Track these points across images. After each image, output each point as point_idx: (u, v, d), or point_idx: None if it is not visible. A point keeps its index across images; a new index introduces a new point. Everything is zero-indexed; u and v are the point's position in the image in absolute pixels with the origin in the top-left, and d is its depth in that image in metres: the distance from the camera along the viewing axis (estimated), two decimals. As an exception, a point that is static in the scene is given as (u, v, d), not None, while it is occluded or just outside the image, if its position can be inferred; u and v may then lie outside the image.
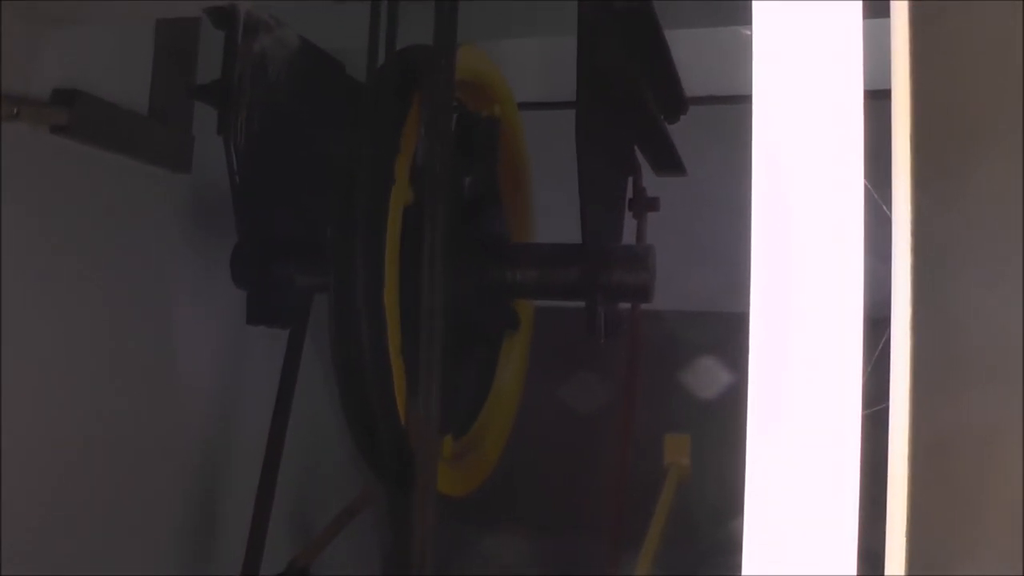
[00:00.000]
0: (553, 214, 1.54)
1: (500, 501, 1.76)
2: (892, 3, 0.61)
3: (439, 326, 1.20)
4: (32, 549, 1.33)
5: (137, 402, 1.53)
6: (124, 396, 1.50)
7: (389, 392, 1.25)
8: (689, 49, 1.59)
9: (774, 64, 0.59)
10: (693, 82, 1.57)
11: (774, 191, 0.61)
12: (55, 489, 1.38)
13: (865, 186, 0.57)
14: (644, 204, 1.51)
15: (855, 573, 0.61)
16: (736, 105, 1.05)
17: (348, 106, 1.59)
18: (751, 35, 0.60)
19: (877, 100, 0.61)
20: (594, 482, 1.91)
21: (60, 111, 1.43)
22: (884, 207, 0.61)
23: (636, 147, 1.51)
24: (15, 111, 1.35)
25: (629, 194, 1.51)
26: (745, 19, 0.60)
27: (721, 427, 0.96)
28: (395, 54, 1.33)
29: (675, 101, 1.55)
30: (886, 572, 0.61)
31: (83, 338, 1.43)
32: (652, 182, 1.58)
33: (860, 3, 0.58)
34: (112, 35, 1.53)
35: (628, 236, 1.51)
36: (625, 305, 1.55)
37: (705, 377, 1.96)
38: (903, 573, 0.59)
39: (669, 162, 1.56)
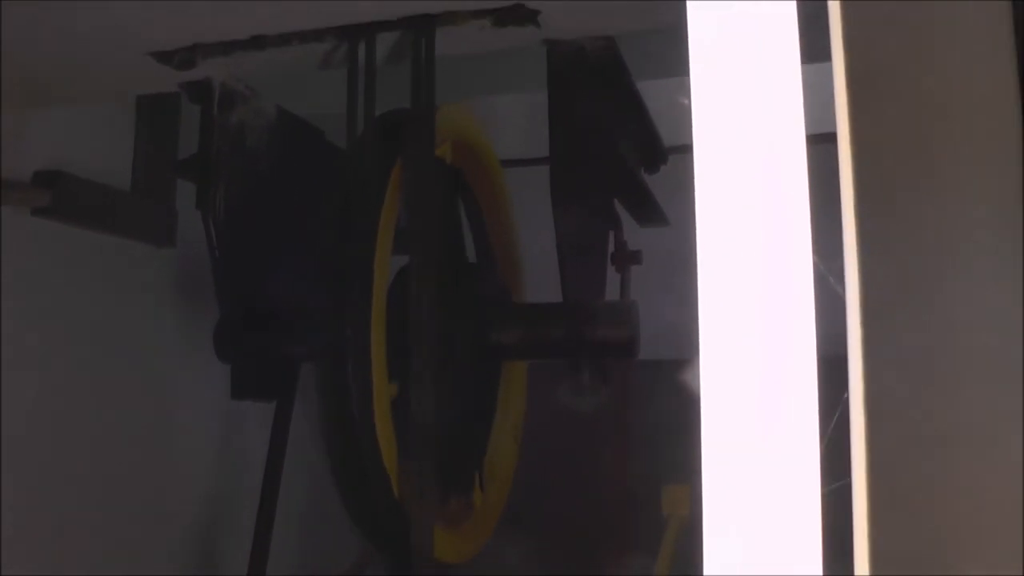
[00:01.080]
0: (544, 270, 1.54)
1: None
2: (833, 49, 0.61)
3: (429, 390, 1.20)
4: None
5: (130, 476, 1.52)
6: (116, 470, 1.50)
7: (378, 462, 1.25)
8: (667, 99, 1.60)
9: (713, 113, 0.60)
10: (674, 131, 1.57)
11: (720, 237, 0.61)
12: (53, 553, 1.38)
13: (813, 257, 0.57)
14: (626, 257, 1.51)
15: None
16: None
17: (329, 173, 1.60)
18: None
19: (821, 144, 0.61)
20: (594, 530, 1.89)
21: (42, 193, 1.44)
22: (828, 275, 0.61)
23: (616, 200, 1.51)
24: (-4, 195, 1.36)
25: (611, 248, 1.51)
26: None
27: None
28: (375, 118, 1.33)
29: (654, 151, 1.56)
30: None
31: (73, 411, 1.43)
32: (636, 234, 1.58)
33: (797, 49, 0.58)
34: (93, 113, 1.55)
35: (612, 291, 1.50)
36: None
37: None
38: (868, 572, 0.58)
39: (650, 213, 1.56)
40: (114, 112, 1.60)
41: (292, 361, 1.52)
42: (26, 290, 1.38)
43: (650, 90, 1.48)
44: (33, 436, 1.37)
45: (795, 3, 0.60)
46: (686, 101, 0.59)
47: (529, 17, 1.18)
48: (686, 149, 0.61)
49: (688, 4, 0.61)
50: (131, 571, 1.51)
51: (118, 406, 1.52)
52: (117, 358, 1.53)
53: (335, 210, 1.39)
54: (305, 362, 1.51)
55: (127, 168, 1.59)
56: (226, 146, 1.40)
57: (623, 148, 1.43)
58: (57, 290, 1.44)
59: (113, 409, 1.51)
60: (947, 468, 0.59)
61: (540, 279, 1.69)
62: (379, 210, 1.30)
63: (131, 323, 1.57)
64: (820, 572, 0.59)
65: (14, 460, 1.31)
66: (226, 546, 1.73)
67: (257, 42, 1.28)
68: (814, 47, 0.60)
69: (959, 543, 0.59)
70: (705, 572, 0.61)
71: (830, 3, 0.61)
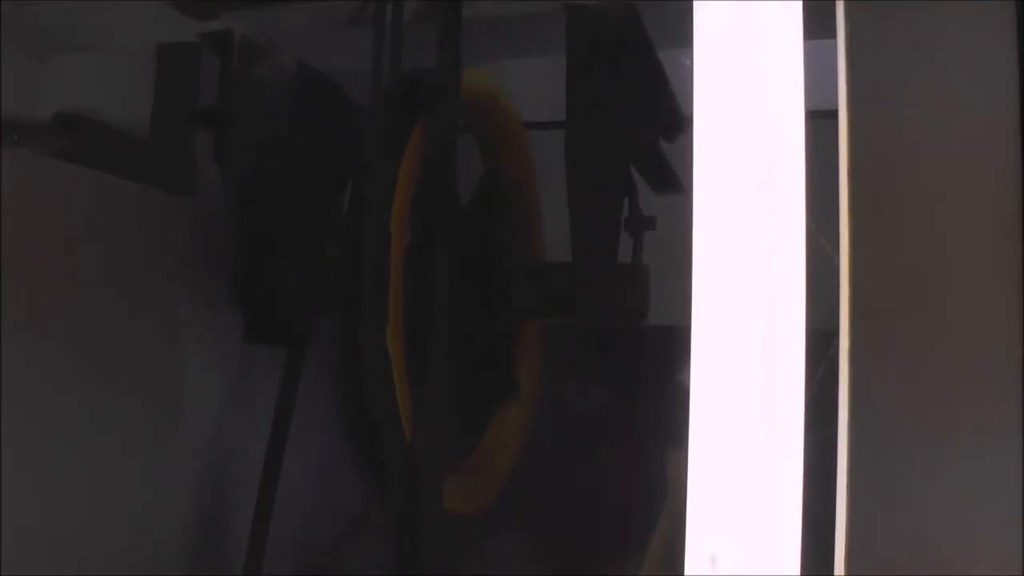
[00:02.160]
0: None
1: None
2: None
3: (447, 341, 1.21)
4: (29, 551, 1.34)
5: (137, 419, 1.54)
6: (124, 415, 1.51)
7: (393, 409, 1.27)
8: (689, 68, 1.59)
9: (715, 84, 0.60)
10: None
11: (718, 210, 0.61)
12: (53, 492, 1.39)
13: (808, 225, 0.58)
14: (640, 223, 1.51)
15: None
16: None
17: (348, 130, 1.61)
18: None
19: (822, 119, 0.62)
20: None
21: (62, 136, 1.45)
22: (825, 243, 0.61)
23: (632, 167, 1.52)
24: (16, 136, 1.37)
25: (625, 214, 1.51)
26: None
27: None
28: (400, 76, 1.34)
29: (673, 120, 1.55)
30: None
31: (82, 354, 1.45)
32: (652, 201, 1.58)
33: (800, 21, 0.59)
34: (114, 60, 1.55)
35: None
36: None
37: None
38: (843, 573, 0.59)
39: (667, 181, 1.56)
40: (134, 60, 1.60)
41: (305, 309, 1.53)
42: (36, 235, 1.39)
43: (672, 59, 1.48)
44: (36, 374, 1.38)
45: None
46: (688, 62, 0.59)
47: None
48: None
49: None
50: (137, 524, 1.53)
51: (125, 349, 1.53)
52: (128, 301, 1.54)
53: (354, 166, 1.39)
54: (320, 310, 1.52)
55: (146, 117, 1.60)
56: (245, 99, 1.41)
57: (641, 115, 1.43)
58: (68, 236, 1.45)
59: (120, 355, 1.52)
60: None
61: (559, 241, 1.71)
62: (398, 167, 1.31)
63: (144, 270, 1.58)
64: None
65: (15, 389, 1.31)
66: (235, 497, 1.75)
67: (280, -5, 1.29)
68: (818, 23, 0.60)
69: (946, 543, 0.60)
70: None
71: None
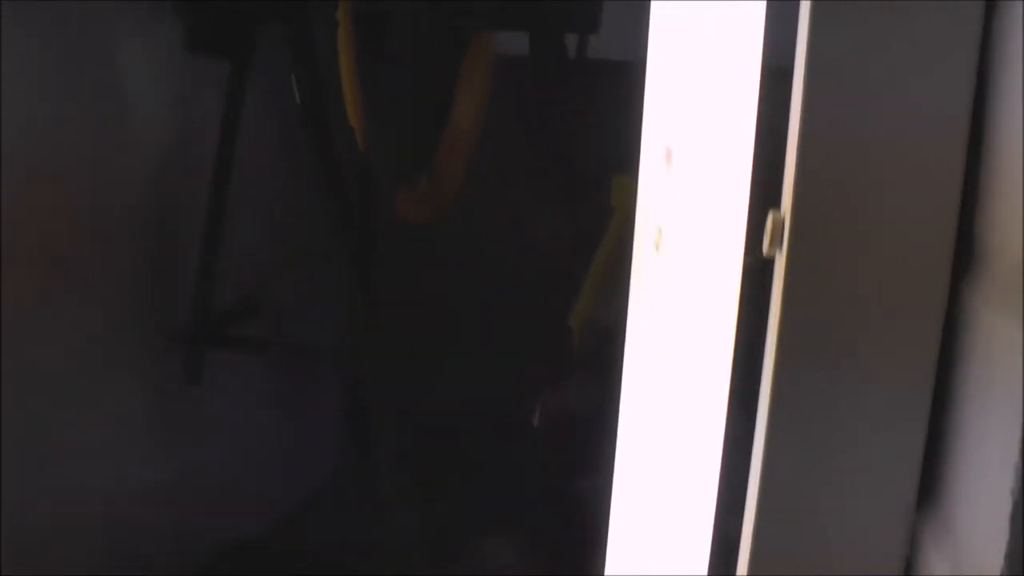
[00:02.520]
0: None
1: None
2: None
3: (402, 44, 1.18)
4: None
5: (85, 132, 1.49)
6: (72, 129, 1.46)
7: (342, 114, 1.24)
8: None
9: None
10: None
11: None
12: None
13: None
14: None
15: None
16: None
17: None
18: None
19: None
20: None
21: None
22: None
23: None
24: None
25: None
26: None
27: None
28: None
29: None
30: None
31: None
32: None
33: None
34: None
35: None
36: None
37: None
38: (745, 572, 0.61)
39: None
40: None
41: (251, 18, 1.47)
42: None
43: None
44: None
45: None
46: None
47: None
48: None
49: None
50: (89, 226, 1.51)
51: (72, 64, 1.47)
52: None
53: None
54: (266, 22, 1.46)
55: None
56: None
57: None
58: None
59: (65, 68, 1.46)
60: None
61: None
62: None
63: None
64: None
65: None
66: (181, 215, 1.72)
67: None
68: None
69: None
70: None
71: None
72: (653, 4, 0.64)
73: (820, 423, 0.60)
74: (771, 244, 0.60)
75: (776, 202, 0.61)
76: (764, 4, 0.63)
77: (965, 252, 0.58)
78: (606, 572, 0.68)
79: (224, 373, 1.69)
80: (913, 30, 0.56)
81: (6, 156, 1.32)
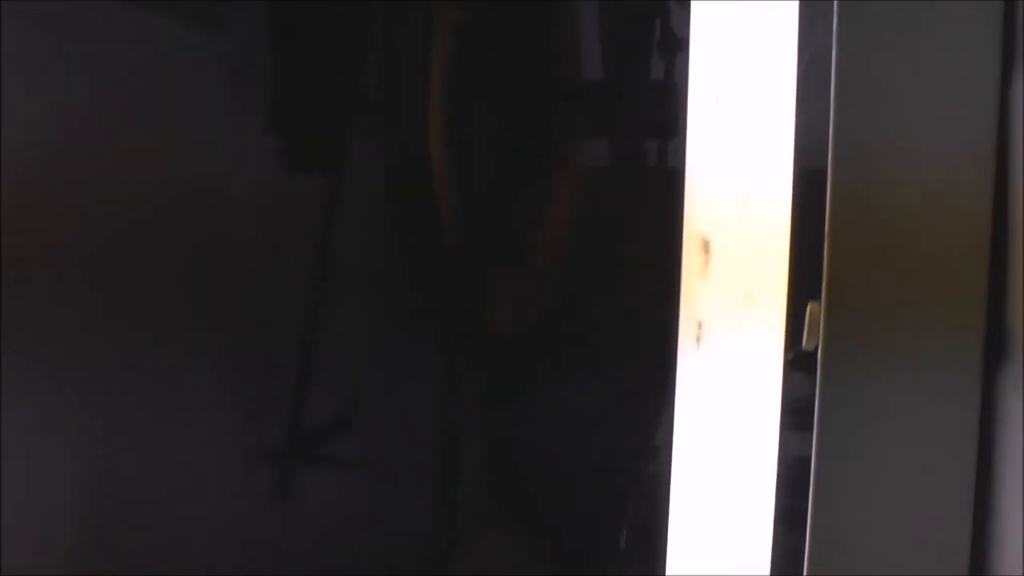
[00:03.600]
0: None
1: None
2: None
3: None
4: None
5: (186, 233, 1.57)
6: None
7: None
8: None
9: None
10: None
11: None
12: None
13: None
14: (671, 43, 1.51)
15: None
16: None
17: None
18: None
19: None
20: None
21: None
22: None
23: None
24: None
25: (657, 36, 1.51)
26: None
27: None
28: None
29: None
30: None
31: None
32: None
33: None
34: None
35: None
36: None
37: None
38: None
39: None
40: None
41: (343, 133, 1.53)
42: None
43: None
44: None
45: None
46: None
47: None
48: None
49: None
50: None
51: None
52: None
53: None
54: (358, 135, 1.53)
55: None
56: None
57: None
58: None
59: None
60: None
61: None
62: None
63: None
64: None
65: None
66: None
67: None
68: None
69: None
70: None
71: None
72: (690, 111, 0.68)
73: (862, 512, 0.61)
74: (810, 337, 0.62)
75: (815, 294, 0.63)
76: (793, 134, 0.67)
77: (996, 340, 0.60)
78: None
79: (314, 488, 1.73)
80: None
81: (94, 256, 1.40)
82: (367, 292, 1.84)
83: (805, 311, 0.63)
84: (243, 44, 1.62)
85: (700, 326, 0.67)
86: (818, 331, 0.62)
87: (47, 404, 1.38)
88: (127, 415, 1.46)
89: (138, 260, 1.49)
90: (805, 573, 0.63)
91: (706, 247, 0.64)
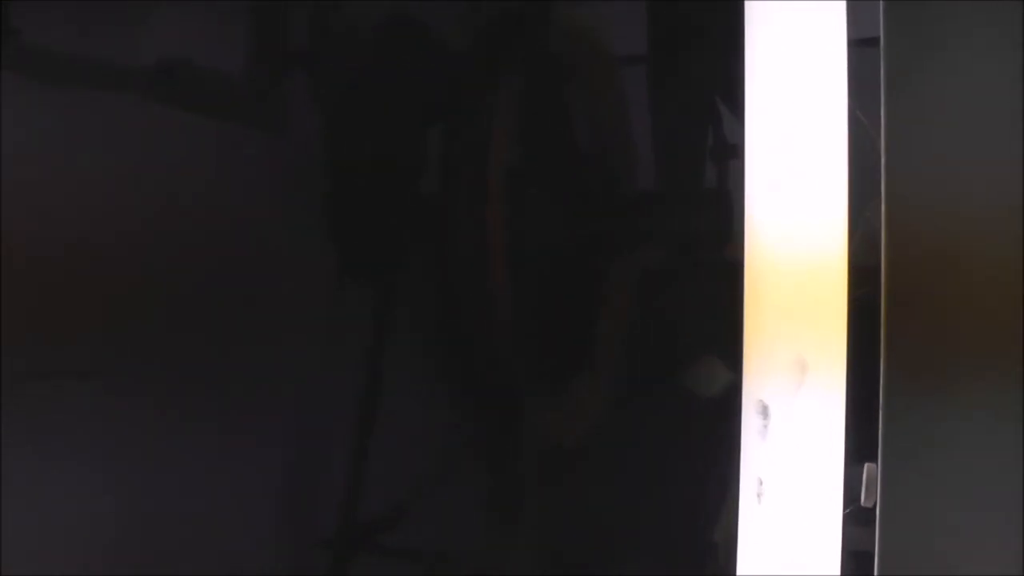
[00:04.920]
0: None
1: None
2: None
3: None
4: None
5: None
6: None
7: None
8: None
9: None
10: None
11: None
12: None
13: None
14: (724, 151, 1.52)
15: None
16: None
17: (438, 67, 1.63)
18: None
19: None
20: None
21: (165, 82, 1.51)
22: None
23: (717, 97, 1.53)
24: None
25: (710, 142, 1.52)
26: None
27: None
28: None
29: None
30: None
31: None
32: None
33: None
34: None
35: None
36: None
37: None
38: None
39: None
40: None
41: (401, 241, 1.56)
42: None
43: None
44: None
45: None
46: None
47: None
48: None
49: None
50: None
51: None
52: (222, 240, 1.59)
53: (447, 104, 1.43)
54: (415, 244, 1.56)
55: (240, 61, 1.64)
56: (337, 39, 1.45)
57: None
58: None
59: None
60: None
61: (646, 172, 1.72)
62: (496, 105, 1.35)
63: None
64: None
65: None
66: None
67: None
68: None
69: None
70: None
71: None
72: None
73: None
74: (867, 496, 0.63)
75: (871, 455, 0.64)
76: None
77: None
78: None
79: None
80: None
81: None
82: (421, 398, 1.85)
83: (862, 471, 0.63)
84: (302, 148, 1.66)
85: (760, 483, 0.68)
86: (875, 490, 0.63)
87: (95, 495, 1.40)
88: (182, 504, 1.48)
89: (197, 351, 1.52)
90: None
91: (765, 411, 0.65)
